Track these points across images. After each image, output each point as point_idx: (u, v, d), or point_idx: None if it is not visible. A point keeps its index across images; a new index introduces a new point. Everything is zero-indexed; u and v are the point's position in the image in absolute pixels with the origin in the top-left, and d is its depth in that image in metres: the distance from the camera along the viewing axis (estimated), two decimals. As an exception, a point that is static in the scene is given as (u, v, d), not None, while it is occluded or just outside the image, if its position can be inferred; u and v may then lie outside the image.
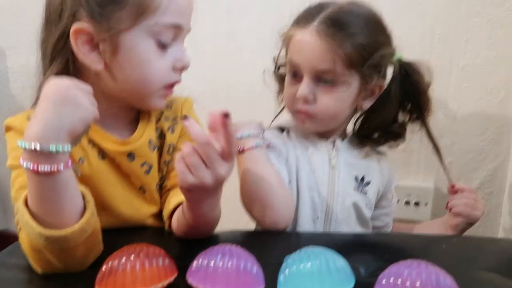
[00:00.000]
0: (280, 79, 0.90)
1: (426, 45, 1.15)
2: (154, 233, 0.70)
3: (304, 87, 0.77)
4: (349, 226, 0.84)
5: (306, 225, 0.81)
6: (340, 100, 0.78)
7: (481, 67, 1.14)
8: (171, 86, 0.69)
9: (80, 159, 0.67)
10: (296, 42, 0.78)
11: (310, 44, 0.75)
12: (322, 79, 0.77)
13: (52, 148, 0.51)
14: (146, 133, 0.72)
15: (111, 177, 0.70)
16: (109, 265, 0.50)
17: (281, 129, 0.89)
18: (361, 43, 0.75)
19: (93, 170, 0.68)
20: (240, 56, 1.28)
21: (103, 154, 0.69)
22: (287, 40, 0.82)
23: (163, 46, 0.64)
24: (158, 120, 0.76)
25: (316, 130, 0.84)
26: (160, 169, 0.74)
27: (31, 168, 0.51)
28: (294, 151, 0.84)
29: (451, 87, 1.17)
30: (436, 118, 1.18)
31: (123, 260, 0.50)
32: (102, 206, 0.68)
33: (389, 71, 0.83)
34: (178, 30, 0.65)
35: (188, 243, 0.67)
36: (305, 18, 0.78)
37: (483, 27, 1.12)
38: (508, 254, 0.65)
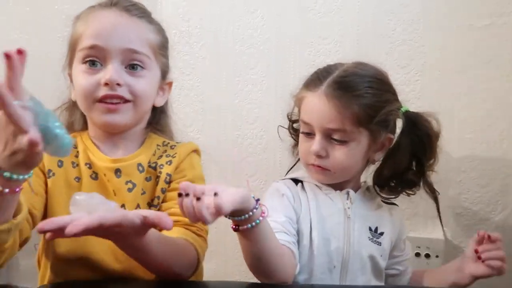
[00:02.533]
0: (294, 133, 0.96)
1: (426, 98, 1.18)
2: (157, 285, 0.69)
3: (317, 144, 0.82)
4: (365, 276, 0.85)
5: (322, 275, 0.82)
6: (351, 155, 0.83)
7: (482, 118, 1.16)
8: (103, 99, 0.77)
9: (76, 178, 0.80)
10: (307, 103, 0.85)
11: (320, 106, 0.81)
12: (333, 136, 0.82)
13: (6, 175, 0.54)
14: (138, 158, 0.82)
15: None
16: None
17: (295, 181, 0.90)
18: (367, 103, 0.80)
19: (85, 187, 0.79)
20: (246, 111, 1.31)
21: (95, 175, 0.80)
22: (299, 101, 0.88)
23: (91, 67, 0.77)
24: (159, 156, 0.85)
25: (330, 182, 0.88)
26: (156, 197, 0.82)
27: None
28: (307, 202, 0.85)
29: (454, 139, 1.18)
30: (442, 169, 1.20)
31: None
32: None
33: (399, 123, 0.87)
34: (100, 51, 0.77)
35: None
36: (314, 82, 0.85)
37: (480, 80, 1.15)
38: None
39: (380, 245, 0.87)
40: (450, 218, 1.21)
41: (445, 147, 1.16)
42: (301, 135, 0.88)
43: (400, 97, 0.90)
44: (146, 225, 0.58)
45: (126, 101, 0.78)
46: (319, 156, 0.83)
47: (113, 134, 0.83)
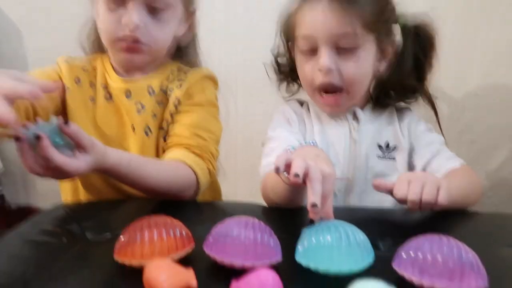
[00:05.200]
0: (281, 69, 0.90)
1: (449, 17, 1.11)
2: (170, 205, 0.70)
3: (325, 58, 0.75)
4: (372, 196, 0.81)
5: None
6: (362, 65, 0.77)
7: (508, 42, 1.09)
8: (123, 39, 0.76)
9: (91, 98, 0.82)
10: (306, 14, 0.77)
11: (324, 11, 0.74)
12: (341, 46, 0.75)
13: None
14: (149, 81, 0.82)
15: (111, 117, 0.82)
16: (127, 236, 0.51)
17: (301, 103, 0.88)
18: (372, 2, 0.75)
19: (99, 108, 0.82)
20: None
21: (110, 96, 0.82)
22: (293, 17, 0.80)
23: (111, 6, 0.75)
24: (171, 80, 0.84)
25: (343, 109, 0.82)
26: (165, 119, 0.82)
27: None
28: (311, 126, 0.83)
29: (475, 63, 1.13)
30: (457, 92, 1.16)
31: (142, 230, 0.51)
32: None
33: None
34: None
35: (205, 215, 0.67)
36: None
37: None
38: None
39: (395, 160, 0.82)
40: (462, 144, 1.19)
41: (463, 71, 1.13)
42: (300, 59, 0.81)
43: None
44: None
45: (143, 43, 0.77)
46: (329, 72, 0.75)
47: None
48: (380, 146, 0.83)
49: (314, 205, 0.49)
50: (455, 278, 0.44)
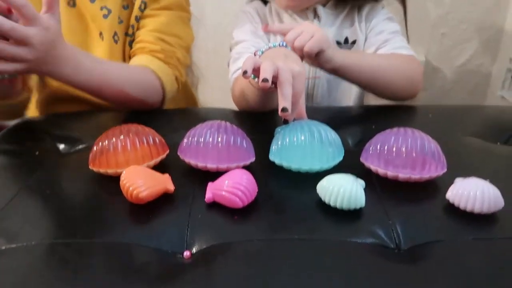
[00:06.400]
0: None
1: None
2: (142, 114, 0.70)
3: None
4: (335, 93, 0.82)
5: None
6: None
7: None
8: None
9: None
10: None
11: None
12: None
13: None
14: None
15: (75, 24, 0.76)
16: (100, 145, 0.51)
17: (265, 2, 0.84)
18: None
19: (63, 16, 0.69)
20: None
21: (73, 2, 0.75)
22: None
23: None
24: None
25: (304, 5, 0.78)
26: (131, 26, 0.78)
27: None
28: (273, 25, 0.80)
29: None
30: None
31: (114, 139, 0.50)
32: None
33: None
34: None
35: (177, 122, 0.67)
36: None
37: None
38: (492, 120, 0.66)
39: None
40: (434, 39, 1.19)
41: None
42: None
43: None
44: None
45: None
46: None
47: None
48: (338, 43, 0.80)
49: (284, 110, 0.49)
50: (417, 167, 0.47)
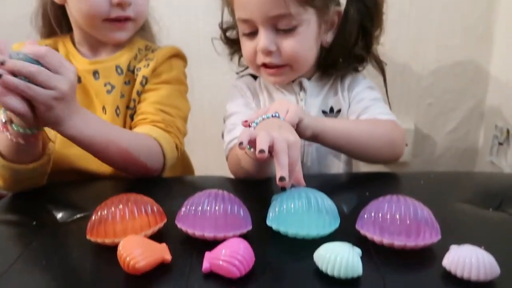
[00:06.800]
0: (231, 42, 0.88)
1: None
2: (140, 183, 0.71)
3: (263, 40, 0.74)
4: (325, 161, 0.84)
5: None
6: (303, 41, 0.76)
7: (460, 4, 1.13)
8: (115, 20, 0.77)
9: None
10: None
11: None
12: (279, 27, 0.74)
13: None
14: (117, 60, 0.81)
15: (81, 99, 0.78)
16: (99, 215, 0.51)
17: (255, 77, 0.88)
18: None
19: None
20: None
21: (78, 79, 0.79)
22: (230, 1, 0.78)
23: None
24: (139, 59, 0.84)
25: (289, 80, 0.82)
26: (132, 100, 0.82)
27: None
28: (264, 99, 0.84)
29: (433, 27, 1.16)
30: (416, 59, 1.20)
31: (112, 209, 0.51)
32: None
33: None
34: None
35: (175, 190, 0.68)
36: None
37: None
38: (483, 187, 0.68)
39: None
40: (421, 108, 1.24)
41: (422, 36, 1.17)
42: (242, 39, 0.80)
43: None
44: None
45: (130, 19, 0.79)
46: (268, 53, 0.75)
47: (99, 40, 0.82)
48: (324, 112, 0.84)
49: (282, 179, 0.50)
50: (412, 234, 0.48)
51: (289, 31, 0.74)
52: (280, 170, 0.51)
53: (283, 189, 0.54)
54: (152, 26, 0.92)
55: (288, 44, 0.75)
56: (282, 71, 0.78)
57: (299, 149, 0.56)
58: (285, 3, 0.71)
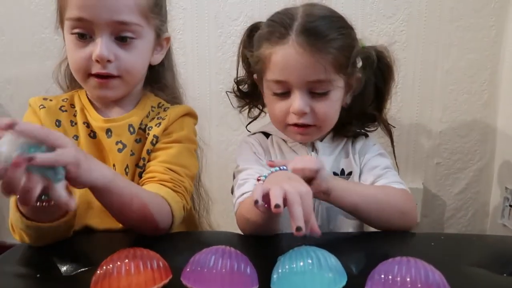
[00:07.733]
0: (243, 95, 0.92)
1: (411, 49, 1.18)
2: (146, 237, 0.70)
3: (299, 102, 0.76)
4: (335, 222, 0.84)
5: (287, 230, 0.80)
6: (334, 104, 0.80)
7: (465, 70, 1.17)
8: (97, 75, 0.76)
9: (74, 136, 0.81)
10: (279, 60, 0.76)
11: (297, 59, 0.74)
12: (315, 91, 0.77)
13: None
14: (129, 119, 0.81)
15: (94, 153, 0.80)
16: (104, 269, 0.51)
17: (266, 135, 0.90)
18: (342, 45, 0.76)
19: (82, 146, 0.80)
20: (229, 64, 1.29)
21: (94, 134, 0.81)
22: (263, 60, 0.79)
23: (81, 40, 0.74)
24: (151, 118, 0.84)
25: (314, 138, 0.85)
26: (141, 158, 0.82)
27: None
28: (275, 157, 0.86)
29: (437, 90, 1.20)
30: (423, 120, 1.22)
31: (118, 263, 0.51)
32: None
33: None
34: (87, 23, 0.73)
35: (182, 246, 0.68)
36: (278, 34, 0.76)
37: (465, 31, 1.15)
38: (495, 250, 0.66)
39: None
40: (429, 168, 1.25)
41: (427, 98, 1.20)
42: (271, 97, 0.81)
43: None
44: None
45: (116, 76, 0.77)
46: (303, 114, 0.77)
47: None
48: (335, 173, 0.85)
49: (298, 229, 0.51)
50: (424, 299, 0.46)
51: (323, 94, 0.77)
52: (296, 221, 0.52)
53: (302, 237, 0.53)
54: (175, 81, 0.93)
55: (322, 107, 0.78)
56: (309, 130, 0.81)
57: (311, 198, 0.56)
58: (325, 70, 0.75)
